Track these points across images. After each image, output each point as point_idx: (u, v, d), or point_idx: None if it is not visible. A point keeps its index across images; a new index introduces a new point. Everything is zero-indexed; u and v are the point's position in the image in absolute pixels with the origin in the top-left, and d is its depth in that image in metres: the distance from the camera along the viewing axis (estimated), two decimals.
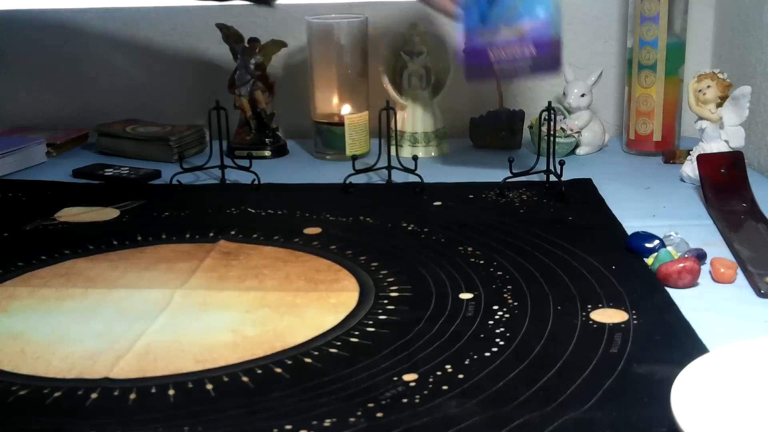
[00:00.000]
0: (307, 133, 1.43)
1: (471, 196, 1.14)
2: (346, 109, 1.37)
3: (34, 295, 0.84)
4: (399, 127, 1.32)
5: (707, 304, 0.79)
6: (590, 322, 0.75)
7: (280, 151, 1.41)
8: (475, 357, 0.69)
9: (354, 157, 1.20)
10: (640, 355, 0.69)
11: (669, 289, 0.82)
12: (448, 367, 0.68)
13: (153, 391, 0.65)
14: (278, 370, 0.68)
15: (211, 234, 1.01)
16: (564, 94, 1.35)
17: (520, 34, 1.06)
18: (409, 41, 1.36)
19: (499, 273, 0.87)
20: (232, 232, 1.01)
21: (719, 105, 1.14)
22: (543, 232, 0.99)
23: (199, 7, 1.50)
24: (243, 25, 1.43)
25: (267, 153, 1.40)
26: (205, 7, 1.50)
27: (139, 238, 1.00)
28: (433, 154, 1.37)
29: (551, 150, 1.14)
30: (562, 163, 1.12)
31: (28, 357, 0.71)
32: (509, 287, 0.83)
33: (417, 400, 0.63)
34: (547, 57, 1.07)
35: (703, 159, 1.10)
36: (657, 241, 0.91)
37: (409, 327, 0.75)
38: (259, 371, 0.68)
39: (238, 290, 0.84)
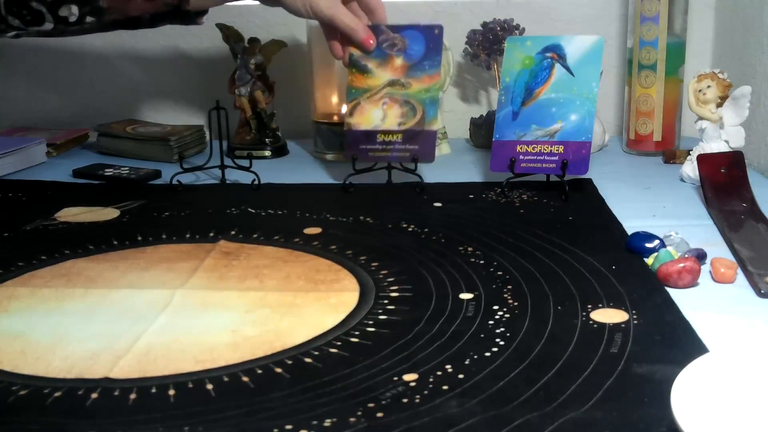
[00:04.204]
0: (307, 133, 1.43)
1: (471, 196, 1.14)
2: (344, 110, 1.37)
3: (35, 295, 0.84)
4: None
5: (707, 304, 0.79)
6: (590, 322, 0.75)
7: (280, 151, 1.42)
8: (476, 357, 0.69)
9: (354, 157, 1.20)
10: (640, 355, 0.69)
11: (669, 289, 0.82)
12: (448, 367, 0.68)
13: (153, 391, 0.65)
14: (278, 370, 0.68)
15: (212, 234, 1.01)
16: None
17: (550, 135, 1.13)
18: None
19: (499, 273, 0.87)
20: (233, 232, 1.01)
21: (719, 105, 1.14)
22: (543, 232, 0.99)
23: None
24: (243, 25, 1.43)
25: (267, 153, 1.40)
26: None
27: (139, 238, 1.00)
28: None
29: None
30: (565, 164, 1.12)
31: (28, 357, 0.71)
32: (509, 287, 0.83)
33: (417, 400, 0.63)
34: (576, 160, 1.12)
35: (703, 159, 1.10)
36: (657, 241, 0.91)
37: (409, 327, 0.75)
38: (260, 371, 0.68)
39: (239, 290, 0.84)
